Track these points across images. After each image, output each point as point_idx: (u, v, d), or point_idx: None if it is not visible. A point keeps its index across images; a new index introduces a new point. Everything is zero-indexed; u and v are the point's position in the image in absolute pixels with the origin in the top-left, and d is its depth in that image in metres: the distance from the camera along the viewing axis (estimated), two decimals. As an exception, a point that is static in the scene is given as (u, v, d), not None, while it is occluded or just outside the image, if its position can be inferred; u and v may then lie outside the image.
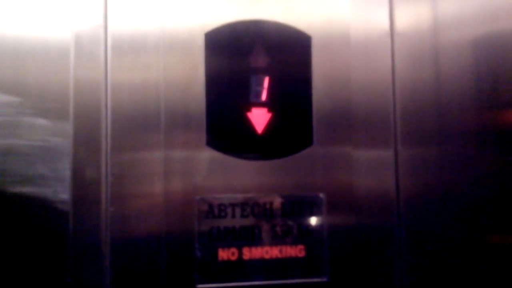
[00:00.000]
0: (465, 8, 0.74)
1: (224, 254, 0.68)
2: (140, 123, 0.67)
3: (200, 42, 0.68)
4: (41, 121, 0.67)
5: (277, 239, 0.69)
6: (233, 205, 0.68)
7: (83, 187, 0.66)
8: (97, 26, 0.68)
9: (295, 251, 0.69)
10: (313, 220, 0.69)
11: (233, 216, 0.68)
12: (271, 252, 0.68)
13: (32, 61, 0.66)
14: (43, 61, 0.67)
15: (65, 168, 0.67)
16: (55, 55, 0.67)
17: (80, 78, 0.67)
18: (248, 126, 0.69)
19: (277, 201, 0.69)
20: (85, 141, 0.66)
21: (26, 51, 0.66)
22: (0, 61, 0.66)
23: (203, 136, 0.68)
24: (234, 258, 0.68)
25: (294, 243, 0.69)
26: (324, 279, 0.69)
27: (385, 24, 0.73)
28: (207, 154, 0.68)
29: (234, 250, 0.68)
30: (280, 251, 0.69)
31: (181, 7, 0.69)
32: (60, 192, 0.67)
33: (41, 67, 0.67)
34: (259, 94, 0.69)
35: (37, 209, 0.66)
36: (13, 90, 0.66)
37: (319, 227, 0.69)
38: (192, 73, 0.68)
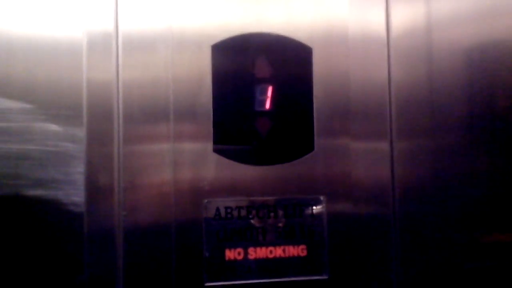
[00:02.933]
0: (460, 10, 0.77)
1: (231, 254, 0.71)
2: (150, 125, 0.70)
3: (207, 53, 0.71)
4: (54, 127, 0.70)
5: (280, 240, 0.72)
6: (239, 208, 0.72)
7: (96, 189, 0.69)
8: (109, 26, 0.70)
9: (297, 250, 0.73)
10: (314, 221, 0.73)
11: (239, 217, 0.72)
12: (275, 251, 0.72)
13: (45, 62, 0.69)
14: (56, 62, 0.69)
15: (77, 172, 0.70)
16: (68, 56, 0.69)
17: (93, 78, 0.69)
18: (252, 133, 0.72)
19: (280, 204, 0.72)
20: (98, 141, 0.69)
21: (38, 52, 0.69)
22: (13, 59, 0.69)
23: (210, 143, 0.71)
24: (240, 257, 0.71)
25: (296, 243, 0.72)
26: (325, 277, 0.73)
27: (381, 30, 0.76)
28: (214, 159, 0.71)
29: (240, 250, 0.71)
30: (283, 251, 0.72)
31: (190, 21, 0.72)
32: (73, 195, 0.70)
33: (54, 67, 0.69)
34: (263, 103, 0.72)
35: (50, 211, 0.69)
36: (25, 93, 0.69)
37: (319, 228, 0.73)
38: (199, 83, 0.71)
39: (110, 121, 0.69)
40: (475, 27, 0.78)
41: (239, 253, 0.71)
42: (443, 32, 0.77)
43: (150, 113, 0.70)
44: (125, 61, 0.70)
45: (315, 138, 0.73)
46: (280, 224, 0.72)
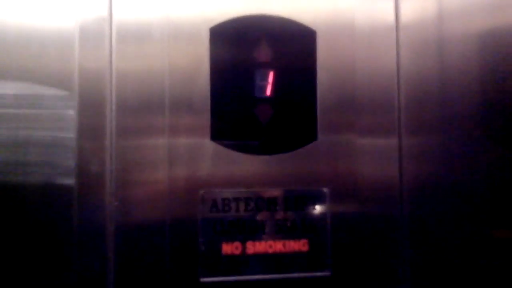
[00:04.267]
0: (471, 0, 0.74)
1: (228, 248, 0.68)
2: (145, 115, 0.67)
3: (205, 37, 0.68)
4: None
5: (280, 234, 0.69)
6: (237, 199, 0.68)
7: (88, 179, 0.66)
8: (102, 15, 0.68)
9: (298, 245, 0.69)
10: (317, 215, 0.70)
11: (237, 210, 0.68)
12: (274, 246, 0.69)
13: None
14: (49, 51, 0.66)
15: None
16: (60, 45, 0.66)
17: (85, 68, 0.66)
18: (252, 120, 0.69)
19: (281, 196, 0.69)
20: (90, 131, 0.66)
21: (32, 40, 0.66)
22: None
23: (207, 131, 0.68)
24: (238, 252, 0.68)
25: (297, 237, 0.69)
26: (327, 273, 0.69)
27: (390, 16, 0.73)
28: (212, 149, 0.68)
29: (238, 244, 0.68)
30: (284, 245, 0.69)
31: (186, 2, 0.69)
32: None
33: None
34: (263, 88, 0.69)
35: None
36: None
37: (322, 222, 0.70)
38: (197, 68, 0.68)
39: (102, 110, 0.67)
40: (488, 13, 0.75)
41: (236, 248, 0.68)
42: (455, 18, 0.74)
43: (146, 99, 0.67)
44: (119, 49, 0.67)
45: (318, 126, 0.70)
46: (281, 217, 0.69)
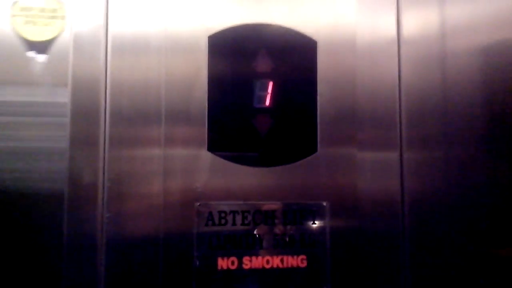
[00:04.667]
0: (473, 15, 0.74)
1: (223, 263, 0.66)
2: (140, 126, 0.66)
3: (204, 45, 0.67)
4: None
5: (278, 249, 0.67)
6: (233, 213, 0.67)
7: (80, 188, 0.64)
8: (98, 26, 0.66)
9: (297, 261, 0.67)
10: (316, 230, 0.68)
11: (234, 223, 0.67)
12: (272, 261, 0.67)
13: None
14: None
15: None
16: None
17: (79, 77, 0.65)
18: (251, 132, 0.68)
19: (279, 209, 0.68)
20: (83, 142, 0.65)
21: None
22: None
23: (204, 141, 0.66)
24: (233, 267, 0.66)
25: (295, 253, 0.67)
26: (326, 291, 0.68)
27: (392, 29, 0.72)
28: (209, 160, 0.66)
29: (234, 259, 0.66)
30: (281, 261, 0.67)
31: (185, 9, 0.68)
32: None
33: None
34: (262, 99, 0.68)
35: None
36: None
37: (321, 237, 0.68)
38: (194, 77, 0.67)
39: (96, 120, 0.65)
40: (490, 28, 0.74)
41: (232, 262, 0.66)
42: (457, 33, 0.73)
43: (141, 108, 0.66)
44: (114, 59, 0.66)
45: (319, 138, 0.69)
46: (279, 232, 0.67)
